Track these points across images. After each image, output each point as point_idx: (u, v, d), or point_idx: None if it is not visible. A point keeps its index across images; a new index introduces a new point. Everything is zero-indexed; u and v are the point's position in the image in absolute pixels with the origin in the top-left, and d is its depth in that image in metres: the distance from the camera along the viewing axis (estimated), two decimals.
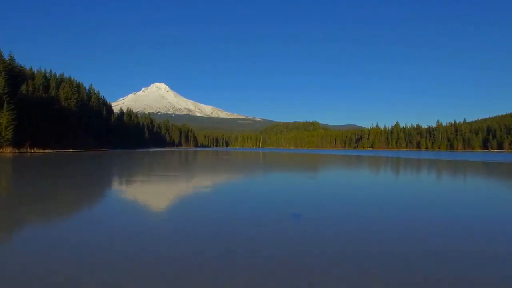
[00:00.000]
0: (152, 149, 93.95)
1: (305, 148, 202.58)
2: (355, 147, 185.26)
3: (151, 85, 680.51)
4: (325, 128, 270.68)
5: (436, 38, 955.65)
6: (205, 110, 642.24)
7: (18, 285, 3.15)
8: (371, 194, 10.09)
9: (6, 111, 48.51)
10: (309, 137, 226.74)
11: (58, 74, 73.88)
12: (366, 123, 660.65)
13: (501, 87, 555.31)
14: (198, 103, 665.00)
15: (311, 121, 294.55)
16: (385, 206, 7.67)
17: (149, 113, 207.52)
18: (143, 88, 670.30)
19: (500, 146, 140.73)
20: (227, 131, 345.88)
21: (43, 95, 60.96)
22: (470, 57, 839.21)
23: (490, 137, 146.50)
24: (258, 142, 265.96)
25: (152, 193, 9.76)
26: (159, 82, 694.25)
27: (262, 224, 5.68)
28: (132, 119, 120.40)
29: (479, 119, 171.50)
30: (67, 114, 65.19)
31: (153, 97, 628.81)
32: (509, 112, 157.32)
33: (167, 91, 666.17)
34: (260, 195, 9.70)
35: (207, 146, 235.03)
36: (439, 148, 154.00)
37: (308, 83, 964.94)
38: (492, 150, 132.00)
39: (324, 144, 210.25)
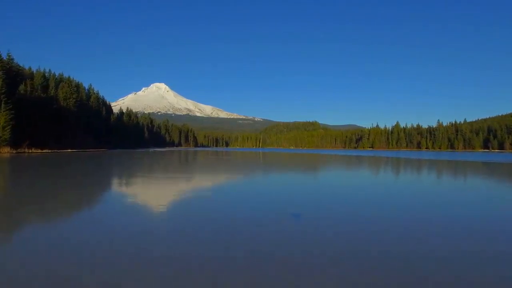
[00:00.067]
0: (152, 149, 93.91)
1: (305, 148, 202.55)
2: (355, 147, 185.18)
3: (151, 85, 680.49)
4: (325, 128, 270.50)
5: (436, 38, 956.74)
6: (205, 110, 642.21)
7: (18, 285, 3.15)
8: (371, 194, 10.09)
9: (4, 111, 48.24)
10: (309, 137, 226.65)
11: (57, 74, 73.99)
12: (366, 123, 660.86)
13: (501, 87, 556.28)
14: (198, 103, 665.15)
15: (311, 121, 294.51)
16: (385, 206, 7.67)
17: (149, 113, 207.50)
18: (143, 88, 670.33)
19: (501, 146, 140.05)
20: (227, 131, 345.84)
21: (42, 95, 60.81)
22: (470, 57, 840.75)
23: (491, 137, 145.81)
24: (258, 142, 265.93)
25: (152, 193, 9.76)
26: (159, 82, 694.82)
27: (262, 224, 5.68)
28: (132, 119, 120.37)
29: (480, 119, 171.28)
30: (66, 114, 65.11)
31: (153, 97, 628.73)
32: (509, 112, 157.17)
33: (167, 91, 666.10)
34: (260, 195, 9.70)
35: (207, 146, 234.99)
36: (439, 148, 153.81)
37: (308, 83, 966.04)
38: (493, 150, 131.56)
39: (324, 144, 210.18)
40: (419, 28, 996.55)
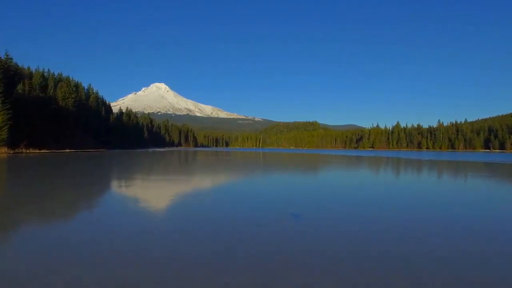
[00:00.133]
0: (151, 149, 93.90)
1: (305, 148, 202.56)
2: (355, 147, 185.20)
3: (151, 85, 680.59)
4: (325, 128, 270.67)
5: (436, 38, 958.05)
6: (205, 110, 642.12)
7: (18, 285, 3.15)
8: (371, 194, 10.09)
9: (1, 111, 47.83)
10: (309, 137, 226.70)
11: (56, 74, 73.91)
12: (366, 123, 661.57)
13: (501, 87, 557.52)
14: (198, 103, 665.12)
15: (311, 121, 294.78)
16: (385, 206, 7.67)
17: (149, 113, 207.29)
18: (143, 88, 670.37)
19: (502, 146, 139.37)
20: (227, 131, 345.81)
21: (40, 94, 60.67)
22: (470, 57, 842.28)
23: (492, 137, 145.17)
24: (258, 142, 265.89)
25: (151, 193, 9.75)
26: (159, 82, 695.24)
27: (262, 224, 5.68)
28: (131, 119, 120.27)
29: (480, 119, 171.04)
30: (64, 114, 64.99)
31: (153, 97, 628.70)
32: (510, 112, 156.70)
33: (167, 91, 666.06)
34: (260, 195, 9.70)
35: (207, 146, 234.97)
36: (440, 148, 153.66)
37: (308, 83, 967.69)
38: (494, 150, 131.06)
39: (324, 144, 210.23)
40: (419, 28, 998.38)
